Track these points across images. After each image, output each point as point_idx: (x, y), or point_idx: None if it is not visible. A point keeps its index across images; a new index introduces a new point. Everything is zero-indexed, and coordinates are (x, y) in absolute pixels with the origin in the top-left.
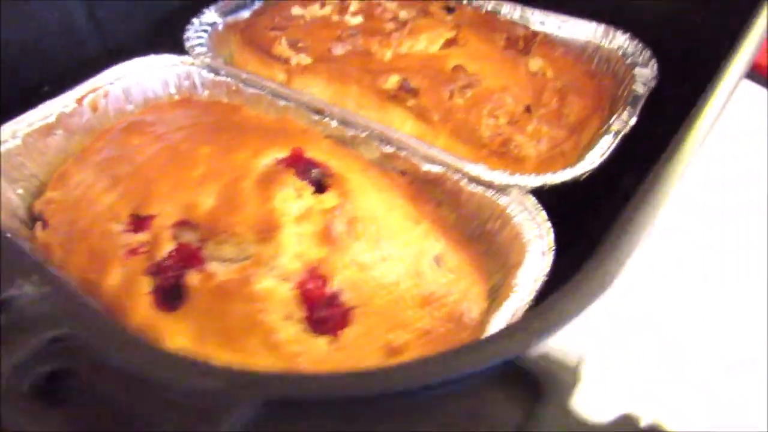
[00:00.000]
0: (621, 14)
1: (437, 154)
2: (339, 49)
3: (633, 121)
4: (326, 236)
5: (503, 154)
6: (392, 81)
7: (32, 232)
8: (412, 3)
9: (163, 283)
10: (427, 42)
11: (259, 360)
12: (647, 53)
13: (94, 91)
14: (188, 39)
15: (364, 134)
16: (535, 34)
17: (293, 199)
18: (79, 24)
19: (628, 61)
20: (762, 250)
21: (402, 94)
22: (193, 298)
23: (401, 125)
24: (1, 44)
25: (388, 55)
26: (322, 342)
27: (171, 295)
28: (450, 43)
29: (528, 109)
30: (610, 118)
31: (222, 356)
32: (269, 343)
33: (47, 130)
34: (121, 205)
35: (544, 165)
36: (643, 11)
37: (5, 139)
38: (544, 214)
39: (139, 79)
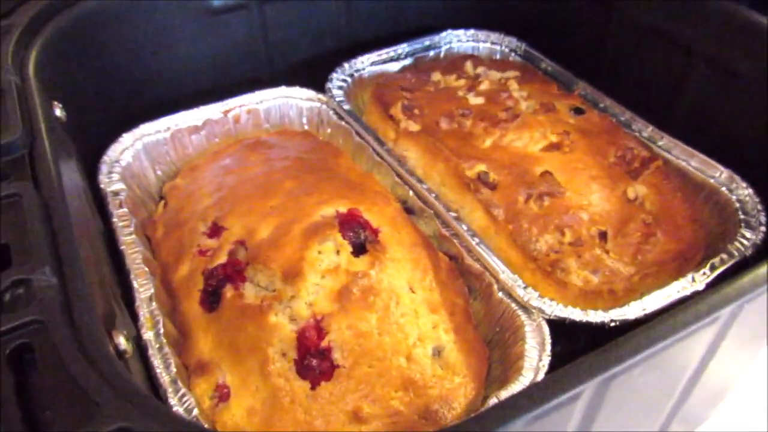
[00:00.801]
0: (750, 165)
1: (482, 253)
2: (445, 125)
3: (700, 287)
4: (340, 296)
5: (548, 274)
6: (476, 169)
7: (155, 207)
8: (542, 96)
9: (208, 287)
10: (529, 140)
11: (251, 381)
12: (762, 217)
13: (241, 106)
14: (330, 80)
15: (430, 211)
16: (653, 158)
17: (330, 252)
18: (257, 46)
19: (741, 217)
20: None
21: (478, 185)
22: (223, 308)
23: (472, 212)
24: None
25: (488, 142)
26: (302, 386)
27: (211, 299)
28: (553, 146)
29: (603, 235)
30: (691, 270)
31: (224, 367)
32: (263, 370)
33: (194, 130)
34: (212, 210)
35: (584, 298)
36: None
37: (159, 130)
38: (548, 348)
39: (281, 104)
